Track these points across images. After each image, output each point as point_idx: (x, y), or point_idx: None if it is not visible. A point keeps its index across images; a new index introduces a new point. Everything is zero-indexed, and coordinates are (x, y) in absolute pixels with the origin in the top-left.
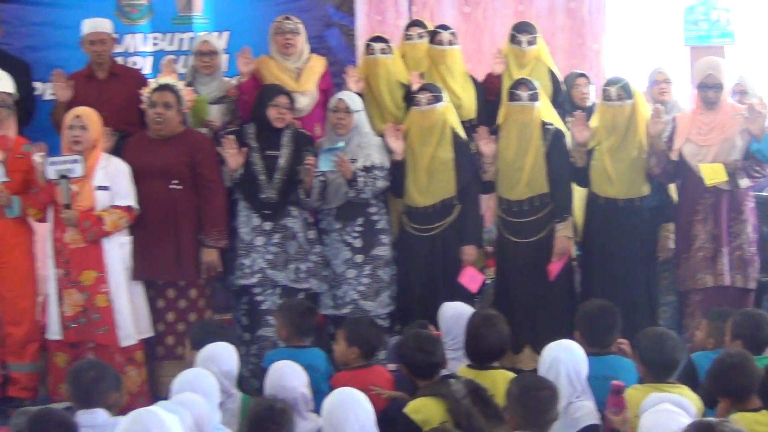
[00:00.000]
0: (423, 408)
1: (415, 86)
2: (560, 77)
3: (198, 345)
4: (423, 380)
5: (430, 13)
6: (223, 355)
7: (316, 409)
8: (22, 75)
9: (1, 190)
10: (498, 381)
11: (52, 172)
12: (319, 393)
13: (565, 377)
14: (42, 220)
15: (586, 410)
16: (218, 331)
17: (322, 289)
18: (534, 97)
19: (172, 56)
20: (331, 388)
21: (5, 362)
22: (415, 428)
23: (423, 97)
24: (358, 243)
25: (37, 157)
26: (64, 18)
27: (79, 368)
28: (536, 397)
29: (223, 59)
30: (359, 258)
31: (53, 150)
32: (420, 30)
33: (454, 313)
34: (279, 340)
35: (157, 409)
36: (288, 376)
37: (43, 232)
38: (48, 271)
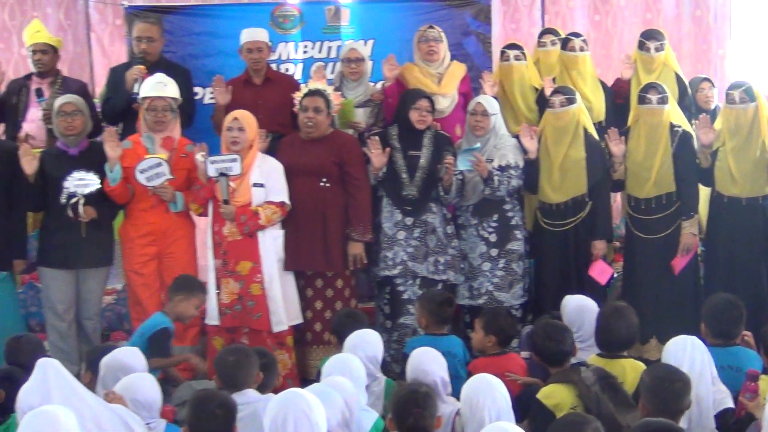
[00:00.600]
0: (554, 393)
1: (548, 90)
2: (686, 82)
3: (341, 333)
4: (554, 367)
5: (562, 21)
6: (369, 340)
7: (454, 393)
8: (184, 81)
9: (165, 187)
10: (627, 369)
11: (212, 171)
12: (456, 378)
13: (689, 367)
14: (203, 214)
15: (724, 394)
16: (358, 320)
17: (459, 280)
18: (663, 101)
19: (321, 63)
20: (469, 374)
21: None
22: (548, 412)
23: (557, 99)
24: (493, 238)
25: (199, 157)
26: (223, 28)
27: (222, 355)
28: (670, 388)
29: (369, 66)
30: (494, 252)
31: (213, 150)
32: (553, 37)
33: (576, 305)
34: (419, 327)
35: (306, 392)
36: (429, 362)
37: (204, 225)
38: (207, 261)
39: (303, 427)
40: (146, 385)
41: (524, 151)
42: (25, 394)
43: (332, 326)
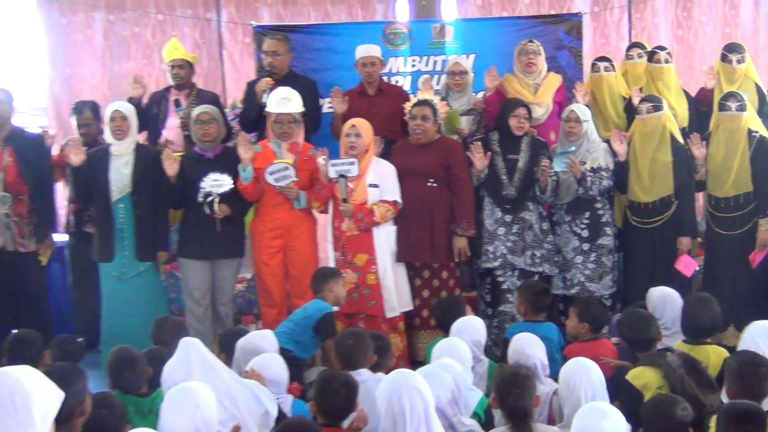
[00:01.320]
0: (642, 375)
1: (635, 99)
2: (765, 91)
3: (442, 321)
4: (641, 352)
5: (647, 36)
6: (474, 326)
7: (551, 375)
8: (311, 91)
9: (291, 188)
10: (710, 355)
11: (332, 172)
12: (552, 361)
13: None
14: (323, 211)
15: None
16: (457, 306)
17: (554, 272)
18: (741, 108)
19: (428, 75)
20: (564, 358)
21: None
22: (637, 392)
23: (644, 107)
24: (585, 233)
25: (321, 160)
26: (341, 45)
27: (341, 337)
28: (755, 372)
29: (471, 77)
30: (586, 246)
31: (333, 154)
32: (640, 51)
33: (660, 296)
34: (517, 314)
35: (416, 372)
36: (529, 346)
37: (324, 221)
38: (328, 254)
39: (417, 402)
40: (275, 364)
41: (614, 154)
42: (169, 369)
43: (433, 313)
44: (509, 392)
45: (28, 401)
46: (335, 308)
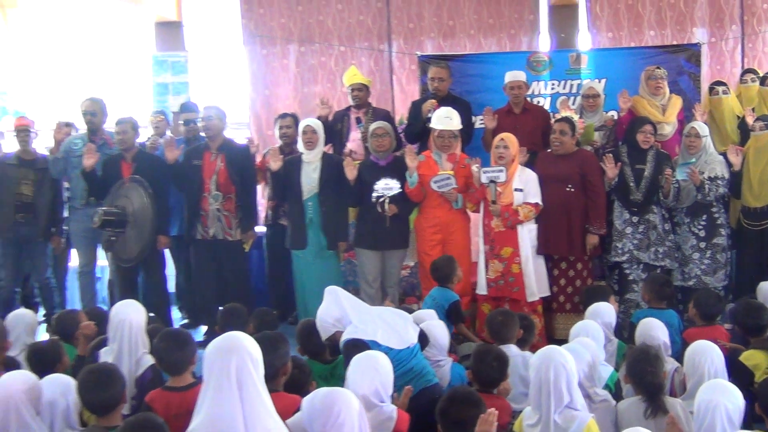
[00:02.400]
0: (753, 357)
1: (749, 118)
2: None
3: (586, 304)
4: (753, 337)
5: (758, 63)
6: (606, 310)
7: (671, 355)
8: (466, 110)
9: (451, 192)
10: None
11: (484, 178)
12: (673, 343)
13: None
14: (476, 211)
15: None
16: (603, 293)
17: (674, 266)
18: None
19: (565, 97)
20: (683, 341)
21: None
22: (748, 372)
23: (757, 124)
24: (702, 233)
25: (475, 168)
26: (492, 71)
27: (492, 315)
28: None
29: (602, 99)
30: (702, 244)
31: (485, 163)
32: (753, 75)
33: None
34: (642, 302)
35: (563, 348)
36: (655, 329)
37: (476, 219)
38: (479, 246)
39: (561, 376)
40: (440, 331)
41: (729, 164)
42: (324, 312)
43: (582, 297)
44: (643, 369)
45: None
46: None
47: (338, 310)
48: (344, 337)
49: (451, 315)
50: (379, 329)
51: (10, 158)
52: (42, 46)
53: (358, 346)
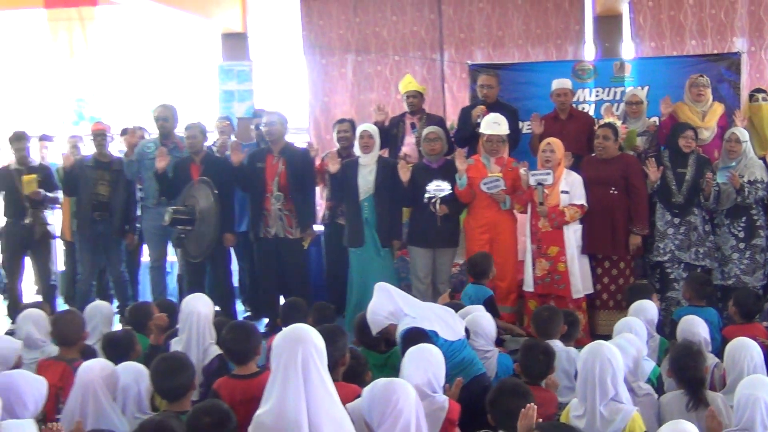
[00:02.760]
0: None
1: None
2: None
3: (630, 301)
4: None
5: None
6: (648, 307)
7: (711, 351)
8: (512, 116)
9: (499, 194)
10: None
11: (532, 181)
12: (712, 339)
13: None
14: (523, 212)
15: None
16: (646, 291)
17: (714, 266)
18: None
19: (609, 104)
20: (723, 338)
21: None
22: None
23: None
24: (741, 234)
25: (522, 171)
26: (538, 79)
27: (538, 311)
28: None
29: (645, 106)
30: (742, 245)
31: (532, 166)
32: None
33: None
34: (682, 300)
35: (609, 343)
36: (695, 326)
37: (523, 220)
38: (526, 246)
39: (607, 370)
40: (487, 322)
41: None
42: (378, 306)
43: (626, 295)
44: (686, 364)
45: None
46: None
47: (391, 304)
48: (402, 328)
49: (487, 310)
50: (434, 322)
51: (88, 161)
52: (117, 56)
53: (419, 335)
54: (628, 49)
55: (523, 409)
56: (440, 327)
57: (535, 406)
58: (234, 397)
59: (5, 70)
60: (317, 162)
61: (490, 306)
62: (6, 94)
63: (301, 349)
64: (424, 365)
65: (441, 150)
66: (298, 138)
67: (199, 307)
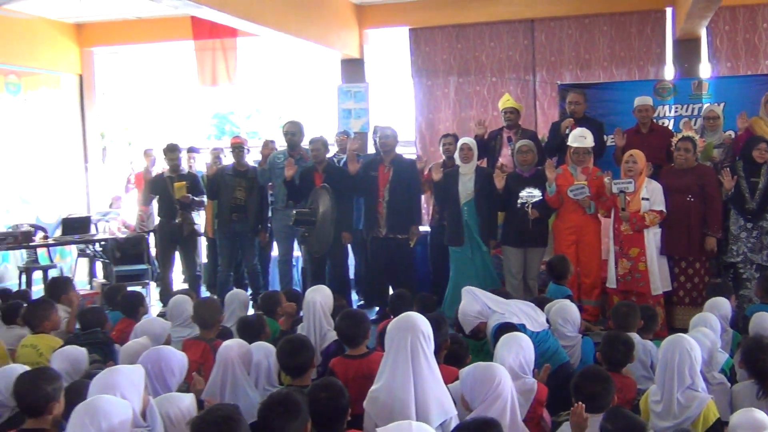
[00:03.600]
0: None
1: None
2: None
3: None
4: None
5: None
6: (722, 304)
7: None
8: (598, 130)
9: (584, 200)
10: None
11: (615, 189)
12: None
13: None
14: (607, 216)
15: None
16: (726, 289)
17: None
18: None
19: (687, 119)
20: None
21: (581, 298)
22: None
23: None
24: None
25: (606, 179)
26: (622, 97)
27: (618, 306)
28: None
29: (721, 121)
30: None
31: (615, 175)
32: None
33: None
34: (754, 298)
35: (688, 336)
36: (766, 321)
37: (607, 223)
38: (609, 247)
39: (685, 360)
40: (572, 309)
41: None
42: (467, 308)
43: (707, 292)
44: (757, 356)
45: None
46: None
47: (477, 305)
48: (493, 323)
49: None
50: (521, 316)
51: (228, 169)
52: (253, 80)
53: (510, 328)
54: (705, 69)
55: (572, 408)
56: (526, 320)
57: (584, 405)
58: (347, 375)
59: (160, 93)
60: (425, 172)
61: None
62: (160, 113)
63: (410, 335)
64: (515, 349)
65: (532, 161)
66: (406, 150)
67: (318, 298)
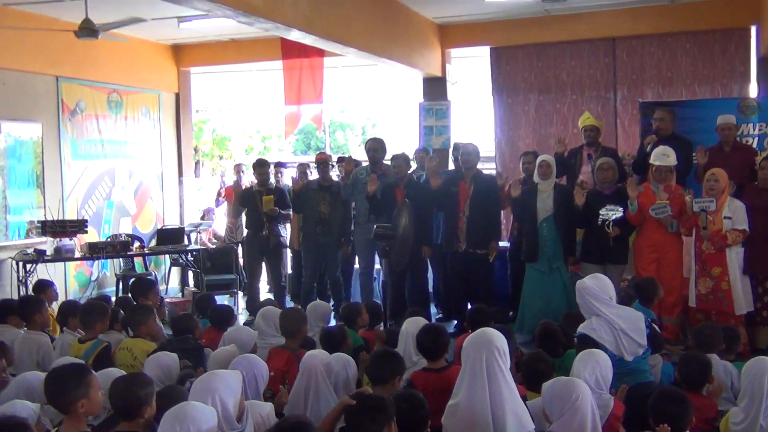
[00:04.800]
0: None
1: None
2: None
3: None
4: None
5: None
6: None
7: None
8: (686, 148)
9: (666, 218)
10: None
11: (696, 207)
12: None
13: None
14: (688, 234)
15: None
16: None
17: None
18: None
19: None
20: None
21: (661, 316)
22: None
23: None
24: None
25: (688, 198)
26: (705, 114)
27: (699, 328)
28: None
29: None
30: None
31: (698, 194)
32: None
33: None
34: None
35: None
36: None
37: (688, 242)
38: (690, 265)
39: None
40: (638, 319)
41: None
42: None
43: None
44: None
45: None
46: None
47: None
48: (580, 330)
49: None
50: (611, 337)
51: (313, 184)
52: (340, 97)
53: (588, 343)
54: None
55: (656, 430)
56: (612, 344)
57: (669, 428)
58: (427, 387)
59: (249, 110)
60: (505, 188)
61: (652, 327)
62: (250, 129)
63: (485, 351)
64: (592, 365)
65: (613, 178)
66: (486, 166)
67: (410, 329)
